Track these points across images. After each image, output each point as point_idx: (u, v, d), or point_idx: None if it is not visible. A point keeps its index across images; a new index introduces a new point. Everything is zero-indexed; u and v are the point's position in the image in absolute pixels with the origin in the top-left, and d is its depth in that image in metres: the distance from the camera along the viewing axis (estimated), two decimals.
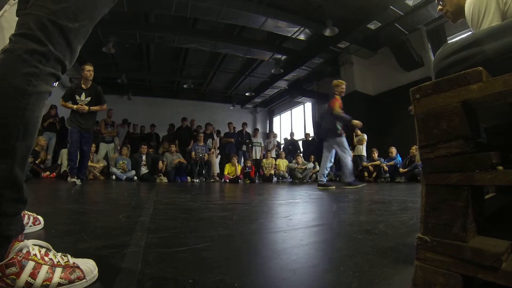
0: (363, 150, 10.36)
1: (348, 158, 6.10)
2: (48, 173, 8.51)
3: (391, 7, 7.94)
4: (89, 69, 5.62)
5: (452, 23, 1.74)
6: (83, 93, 5.56)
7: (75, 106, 5.45)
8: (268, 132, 17.50)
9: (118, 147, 10.39)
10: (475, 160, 0.71)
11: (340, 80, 6.43)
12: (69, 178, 5.53)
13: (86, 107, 5.46)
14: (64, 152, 8.66)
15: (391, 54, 10.54)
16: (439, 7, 1.75)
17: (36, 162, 8.30)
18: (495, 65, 0.87)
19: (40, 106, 0.87)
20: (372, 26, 8.81)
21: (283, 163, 11.05)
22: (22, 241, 0.86)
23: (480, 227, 0.76)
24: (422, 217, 0.77)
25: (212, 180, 10.35)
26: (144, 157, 9.59)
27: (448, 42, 1.11)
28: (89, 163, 8.85)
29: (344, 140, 6.12)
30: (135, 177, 9.23)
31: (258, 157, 11.93)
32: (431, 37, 9.49)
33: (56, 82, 0.94)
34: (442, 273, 0.70)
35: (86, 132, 5.66)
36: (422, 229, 0.77)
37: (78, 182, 5.34)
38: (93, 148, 9.34)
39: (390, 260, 1.17)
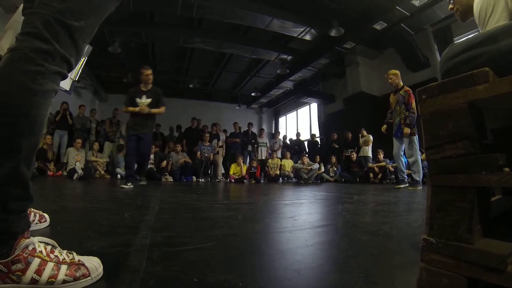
0: (369, 151, 10.32)
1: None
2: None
3: (397, 7, 7.89)
4: (147, 74, 5.64)
5: (461, 21, 1.74)
6: (144, 95, 5.56)
7: (137, 108, 5.43)
8: (273, 132, 17.48)
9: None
10: (481, 162, 0.70)
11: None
12: (123, 184, 5.40)
13: (146, 108, 5.43)
14: (70, 150, 8.71)
15: (397, 54, 10.48)
16: (450, 5, 1.75)
17: (47, 163, 8.34)
18: (502, 65, 0.86)
19: (46, 104, 0.88)
20: (378, 26, 8.76)
21: (288, 164, 11.03)
22: (28, 238, 0.87)
23: (486, 229, 0.75)
24: (428, 219, 0.77)
25: (217, 180, 10.36)
26: (152, 157, 9.62)
27: (455, 42, 1.10)
28: (92, 158, 8.93)
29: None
30: (138, 176, 9.26)
31: (263, 157, 11.93)
32: (437, 37, 9.44)
33: (62, 80, 0.94)
34: (447, 275, 0.69)
35: (145, 134, 5.64)
36: (427, 231, 0.76)
37: (129, 186, 5.25)
38: (96, 146, 9.42)
39: (395, 262, 1.16)
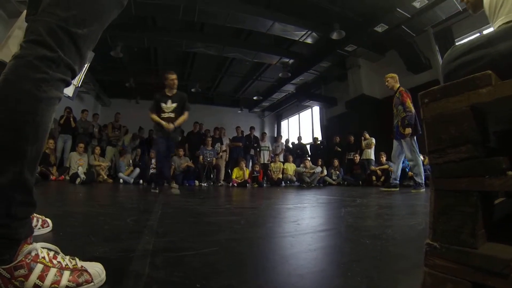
0: (371, 154, 10.30)
1: None
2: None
3: (398, 9, 7.89)
4: (172, 78, 5.61)
5: (473, 13, 1.73)
6: (169, 100, 5.53)
7: (163, 122, 5.34)
8: (276, 136, 17.48)
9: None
10: (484, 165, 0.70)
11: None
12: (152, 189, 5.41)
13: (172, 126, 5.35)
14: (72, 155, 8.73)
15: (398, 57, 10.48)
16: None
17: (50, 167, 8.36)
18: (503, 67, 0.86)
19: (50, 111, 0.88)
20: (379, 29, 8.76)
21: (291, 167, 11.02)
22: (31, 243, 0.87)
23: (490, 233, 0.75)
24: (431, 223, 0.76)
25: (220, 184, 10.35)
26: (153, 161, 9.63)
27: (456, 44, 1.10)
28: (95, 162, 8.95)
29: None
30: (141, 181, 9.29)
31: (266, 161, 11.93)
32: (438, 39, 9.42)
33: (66, 87, 0.95)
34: (451, 280, 0.69)
35: (172, 140, 5.62)
36: (430, 235, 0.76)
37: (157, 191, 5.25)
38: (98, 150, 9.44)
39: (398, 266, 1.16)
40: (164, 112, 5.49)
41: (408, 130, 5.83)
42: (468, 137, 0.72)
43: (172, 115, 5.47)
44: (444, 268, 0.71)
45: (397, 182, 6.45)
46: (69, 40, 0.90)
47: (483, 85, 0.72)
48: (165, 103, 5.51)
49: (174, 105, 5.51)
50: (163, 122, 5.33)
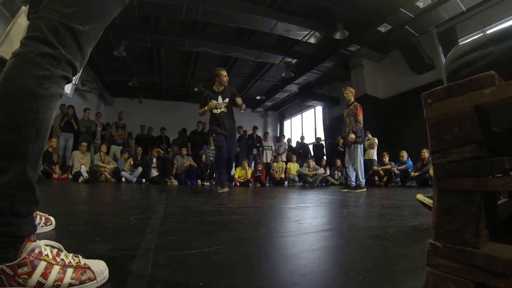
0: (373, 154, 10.28)
1: None
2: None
3: (402, 9, 7.86)
4: (225, 75, 5.61)
5: None
6: (219, 96, 5.52)
7: (211, 104, 5.41)
8: (278, 135, 17.47)
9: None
10: (488, 165, 0.70)
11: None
12: (219, 189, 5.29)
13: (214, 103, 5.42)
14: (75, 154, 8.76)
15: (401, 57, 10.46)
16: None
17: (53, 165, 8.39)
18: (506, 67, 0.86)
19: (51, 108, 0.88)
20: (382, 29, 8.74)
21: (293, 167, 11.01)
22: (34, 241, 0.88)
23: (493, 233, 0.75)
24: (434, 223, 0.76)
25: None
26: (154, 160, 9.65)
27: (459, 44, 1.10)
28: (100, 164, 8.95)
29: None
30: (144, 180, 9.30)
31: (268, 161, 11.91)
32: (442, 39, 9.40)
33: (67, 84, 0.95)
34: (454, 280, 0.69)
35: (231, 133, 5.61)
36: (433, 235, 0.76)
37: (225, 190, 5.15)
38: (104, 148, 9.45)
39: (401, 266, 1.16)
40: (216, 109, 5.47)
41: (352, 136, 6.75)
42: (472, 137, 0.72)
43: (224, 110, 5.45)
44: (446, 267, 0.71)
45: (353, 182, 7.05)
46: (70, 36, 0.90)
47: (486, 86, 0.72)
48: (216, 100, 5.48)
49: (226, 100, 5.50)
50: (210, 104, 5.42)
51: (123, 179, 9.06)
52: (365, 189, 6.73)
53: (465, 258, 0.68)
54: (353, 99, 7.10)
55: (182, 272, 1.02)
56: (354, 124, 6.76)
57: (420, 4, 7.63)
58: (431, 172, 6.19)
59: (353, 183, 6.96)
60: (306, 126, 17.71)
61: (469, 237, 0.69)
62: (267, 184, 10.67)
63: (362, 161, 6.95)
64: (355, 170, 6.88)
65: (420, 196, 2.12)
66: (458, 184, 0.73)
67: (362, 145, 7.02)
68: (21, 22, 1.45)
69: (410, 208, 3.13)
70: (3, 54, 1.54)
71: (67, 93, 1.63)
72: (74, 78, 0.96)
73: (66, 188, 5.65)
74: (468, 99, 0.74)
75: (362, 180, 6.82)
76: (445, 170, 0.76)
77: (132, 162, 9.58)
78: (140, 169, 9.43)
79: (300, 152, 12.78)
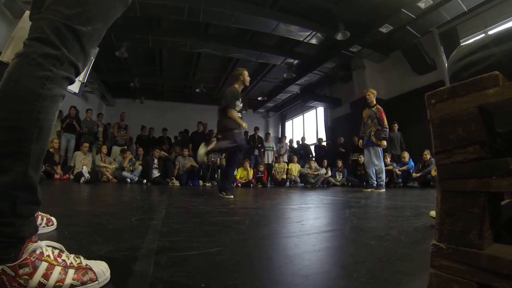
0: None
1: None
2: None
3: (403, 10, 7.86)
4: (248, 75, 5.19)
5: None
6: (240, 99, 5.09)
7: (244, 124, 4.99)
8: (280, 136, 17.47)
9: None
10: (491, 166, 0.69)
11: None
12: (224, 194, 4.74)
13: (246, 126, 5.14)
14: (77, 154, 8.76)
15: (403, 57, 10.44)
16: None
17: (55, 166, 8.40)
18: (509, 67, 0.85)
19: (54, 109, 0.88)
20: (384, 29, 8.73)
21: (295, 168, 11.00)
22: (36, 242, 0.88)
23: (497, 235, 0.74)
24: (437, 224, 0.76)
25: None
26: (156, 161, 9.65)
27: (462, 44, 1.09)
28: (102, 164, 8.95)
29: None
30: (145, 180, 9.30)
31: (270, 162, 11.91)
32: (443, 40, 9.38)
33: (69, 85, 0.95)
34: (457, 281, 0.68)
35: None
36: (437, 236, 0.75)
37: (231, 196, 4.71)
38: (104, 149, 9.45)
39: (404, 267, 1.15)
40: (239, 113, 5.03)
41: (384, 143, 6.93)
42: (476, 138, 0.72)
43: (240, 115, 5.01)
44: (450, 269, 0.70)
45: (375, 182, 7.20)
46: (73, 37, 0.90)
47: (490, 86, 0.72)
48: (239, 102, 5.06)
49: (241, 105, 5.11)
50: (244, 124, 5.01)
51: (128, 180, 9.01)
52: (384, 189, 6.98)
53: (469, 260, 0.68)
54: (375, 101, 7.21)
55: (183, 273, 1.02)
56: (381, 128, 6.90)
57: (422, 5, 7.62)
58: (433, 173, 6.35)
59: (375, 183, 7.10)
60: (307, 127, 17.72)
61: (473, 238, 0.69)
62: (268, 185, 10.66)
63: (383, 163, 7.20)
64: (378, 171, 7.03)
65: (433, 213, 2.10)
66: (462, 185, 0.73)
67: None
68: (25, 26, 1.45)
69: (412, 209, 3.12)
70: (8, 60, 1.54)
71: (75, 92, 1.63)
72: (82, 75, 0.96)
73: (68, 188, 5.66)
74: (472, 99, 0.74)
75: (383, 180, 7.07)
76: (448, 171, 0.76)
77: (132, 158, 9.58)
78: (140, 167, 9.42)
79: (301, 153, 12.76)
